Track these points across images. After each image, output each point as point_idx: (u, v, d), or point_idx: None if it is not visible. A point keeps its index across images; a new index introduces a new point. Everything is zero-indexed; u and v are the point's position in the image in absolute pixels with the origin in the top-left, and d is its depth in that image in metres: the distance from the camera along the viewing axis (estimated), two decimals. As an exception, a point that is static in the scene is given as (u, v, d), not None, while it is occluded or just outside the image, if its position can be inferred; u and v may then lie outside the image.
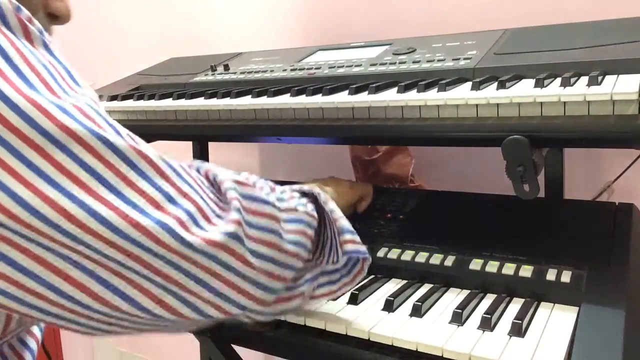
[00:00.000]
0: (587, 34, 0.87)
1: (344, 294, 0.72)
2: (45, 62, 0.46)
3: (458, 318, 0.66)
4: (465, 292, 0.74)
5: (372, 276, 0.81)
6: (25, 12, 0.46)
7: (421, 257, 0.80)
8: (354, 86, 0.86)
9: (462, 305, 0.68)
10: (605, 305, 0.64)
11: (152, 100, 1.08)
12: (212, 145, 1.43)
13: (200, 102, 1.00)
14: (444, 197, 0.98)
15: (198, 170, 0.55)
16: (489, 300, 0.71)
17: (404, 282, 0.78)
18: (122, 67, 1.50)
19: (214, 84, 1.13)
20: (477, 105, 0.74)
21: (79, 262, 0.45)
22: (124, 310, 0.48)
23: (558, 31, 0.93)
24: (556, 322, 0.65)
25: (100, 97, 1.22)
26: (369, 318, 0.69)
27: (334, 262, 0.66)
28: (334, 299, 0.74)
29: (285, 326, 0.73)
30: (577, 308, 0.66)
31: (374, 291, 0.77)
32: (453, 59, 0.92)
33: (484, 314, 0.65)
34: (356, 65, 1.00)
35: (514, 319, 0.63)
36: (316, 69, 1.05)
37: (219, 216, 0.51)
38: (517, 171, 0.69)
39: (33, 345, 0.69)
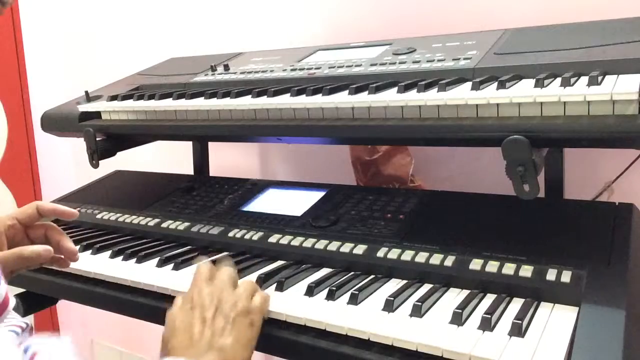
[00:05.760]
0: (587, 34, 0.87)
1: None
2: None
3: (458, 318, 0.66)
4: (465, 292, 0.74)
5: (372, 276, 0.81)
6: None
7: (421, 257, 0.80)
8: (354, 86, 0.86)
9: (462, 305, 0.68)
10: (605, 305, 0.64)
11: (152, 100, 1.08)
12: (212, 145, 1.44)
13: (200, 102, 1.00)
14: (444, 197, 0.98)
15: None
16: (489, 300, 0.71)
17: (404, 282, 0.78)
18: (122, 67, 1.50)
19: (214, 84, 1.13)
20: (477, 105, 0.74)
21: None
22: None
23: (558, 31, 0.93)
24: (556, 322, 0.65)
25: (101, 97, 1.22)
26: (369, 318, 0.69)
27: None
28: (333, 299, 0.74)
29: (286, 326, 0.73)
30: (577, 308, 0.66)
31: (374, 291, 0.77)
32: (453, 59, 0.92)
33: (484, 314, 0.65)
34: (356, 65, 1.00)
35: (514, 319, 0.63)
36: (316, 69, 1.04)
37: None
38: (517, 171, 0.69)
39: None
